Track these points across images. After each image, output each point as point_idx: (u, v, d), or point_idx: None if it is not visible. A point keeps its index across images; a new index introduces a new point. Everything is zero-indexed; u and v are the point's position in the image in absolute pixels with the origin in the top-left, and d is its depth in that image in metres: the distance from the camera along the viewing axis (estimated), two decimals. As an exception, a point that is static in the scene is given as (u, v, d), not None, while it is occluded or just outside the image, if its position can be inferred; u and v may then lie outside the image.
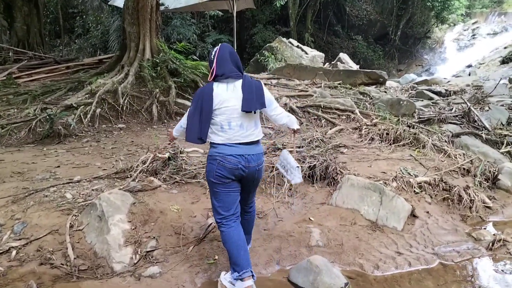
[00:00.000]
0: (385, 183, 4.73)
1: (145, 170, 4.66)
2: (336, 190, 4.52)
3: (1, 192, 4.46)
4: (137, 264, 3.47)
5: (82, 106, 8.22)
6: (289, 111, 8.78)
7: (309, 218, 4.11)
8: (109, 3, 16.37)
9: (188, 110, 3.10)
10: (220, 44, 3.13)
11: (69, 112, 8.03)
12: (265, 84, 12.56)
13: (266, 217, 4.25)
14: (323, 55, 22.08)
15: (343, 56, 21.23)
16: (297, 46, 21.58)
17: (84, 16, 26.79)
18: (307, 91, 10.55)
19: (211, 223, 3.91)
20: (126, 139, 7.55)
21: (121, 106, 8.47)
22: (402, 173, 5.05)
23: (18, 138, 7.15)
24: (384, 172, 5.21)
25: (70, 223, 3.83)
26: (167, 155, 4.72)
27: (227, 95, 2.95)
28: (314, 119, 8.54)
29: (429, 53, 34.13)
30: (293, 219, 4.21)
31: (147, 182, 4.43)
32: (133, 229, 3.78)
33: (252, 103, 2.93)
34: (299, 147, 5.60)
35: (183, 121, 3.27)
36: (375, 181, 4.66)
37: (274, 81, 13.32)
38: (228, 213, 3.08)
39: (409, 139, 6.56)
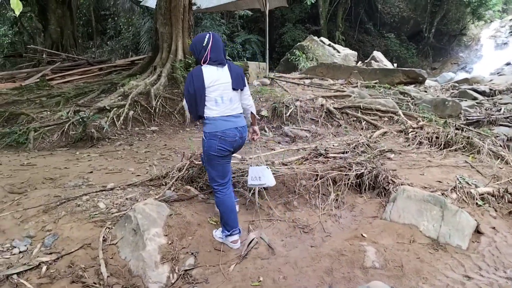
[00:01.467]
0: (443, 194, 4.27)
1: (181, 177, 4.36)
2: (390, 202, 4.10)
3: (33, 200, 4.26)
4: (175, 285, 3.17)
5: (115, 109, 8.06)
6: (326, 112, 8.40)
7: (362, 235, 3.71)
8: (141, 3, 16.33)
9: (184, 94, 3.45)
10: (210, 32, 3.51)
11: (102, 114, 7.88)
12: (297, 84, 12.23)
13: (312, 231, 3.89)
14: (356, 53, 21.49)
15: (377, 54, 20.55)
16: (329, 45, 21.08)
17: (116, 18, 27.09)
18: (344, 91, 10.09)
19: (253, 238, 3.58)
20: (159, 142, 7.32)
21: (153, 108, 8.27)
22: (460, 182, 4.57)
23: (50, 142, 7.03)
24: (440, 181, 4.75)
25: (103, 237, 3.57)
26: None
27: (218, 74, 3.37)
28: (354, 121, 8.10)
29: (465, 51, 32.80)
30: (343, 235, 3.82)
31: (184, 191, 4.14)
32: (170, 243, 3.49)
33: (239, 82, 3.46)
34: (343, 153, 5.20)
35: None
36: (432, 192, 4.22)
37: (307, 81, 12.91)
38: (224, 181, 3.57)
39: (462, 143, 6.04)
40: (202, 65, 3.40)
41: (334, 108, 8.57)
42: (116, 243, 3.53)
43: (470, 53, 31.90)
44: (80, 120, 7.02)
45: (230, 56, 20.87)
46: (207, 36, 3.41)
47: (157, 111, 8.28)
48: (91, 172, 5.39)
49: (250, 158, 5.20)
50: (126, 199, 4.21)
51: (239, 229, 3.64)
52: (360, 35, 31.49)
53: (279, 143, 7.37)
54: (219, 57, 3.40)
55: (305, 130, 8.15)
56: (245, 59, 20.88)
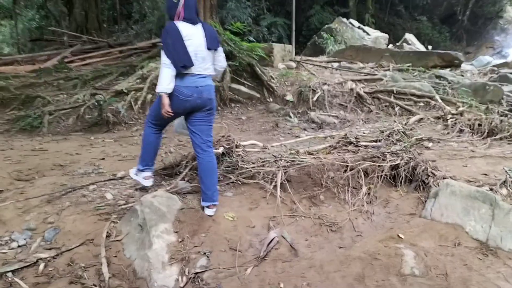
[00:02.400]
0: (491, 189, 3.74)
1: (196, 167, 3.97)
2: (430, 198, 3.60)
3: (38, 189, 3.96)
4: (184, 289, 2.79)
5: (133, 92, 7.73)
6: (355, 97, 7.86)
7: (398, 235, 3.23)
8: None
9: (164, 49, 3.19)
10: None
11: (119, 98, 7.57)
12: (325, 67, 11.65)
13: (340, 230, 3.43)
14: (387, 36, 20.59)
15: (409, 37, 19.62)
16: (358, 27, 20.24)
17: (141, 2, 26.84)
18: (375, 74, 9.49)
19: (273, 238, 3.15)
20: (178, 127, 6.95)
21: (172, 91, 7.88)
22: (510, 176, 4.01)
23: (65, 126, 6.77)
24: (486, 174, 4.20)
25: (107, 232, 3.21)
26: (220, 150, 3.99)
27: (192, 30, 3.27)
28: (386, 106, 7.53)
29: (501, 34, 31.11)
30: (376, 235, 3.35)
31: (198, 182, 3.74)
32: (180, 241, 3.10)
33: (214, 42, 3.37)
34: (376, 141, 4.69)
35: (165, 72, 3.19)
36: (478, 186, 3.69)
37: (335, 64, 12.31)
38: (159, 126, 3.62)
39: (508, 131, 5.43)
40: (175, 22, 3.27)
41: (365, 92, 8.01)
42: (121, 239, 3.17)
43: (507, 37, 30.26)
44: (96, 103, 6.71)
45: (256, 39, 20.31)
46: None
47: (176, 94, 7.90)
48: (103, 158, 5.07)
49: (273, 146, 4.77)
50: (136, 189, 3.86)
51: (153, 170, 3.75)
52: (391, 18, 30.29)
53: (304, 130, 6.90)
54: (192, 15, 3.31)
55: (333, 116, 7.64)
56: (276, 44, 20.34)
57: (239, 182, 3.87)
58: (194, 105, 3.32)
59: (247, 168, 3.93)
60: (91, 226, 3.32)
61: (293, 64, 11.41)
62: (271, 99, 8.57)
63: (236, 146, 4.24)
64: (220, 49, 3.52)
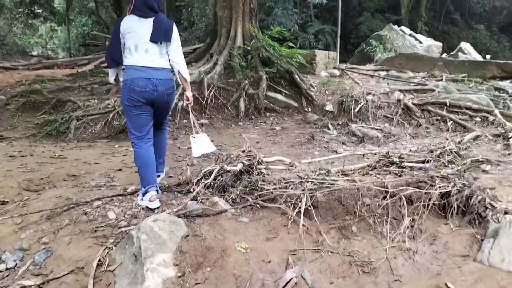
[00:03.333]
0: None
1: (210, 185, 3.50)
2: (489, 237, 2.94)
3: (41, 202, 3.65)
4: None
5: (164, 98, 7.42)
6: (403, 109, 7.16)
7: (446, 285, 2.60)
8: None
9: None
10: None
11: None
12: (371, 76, 10.94)
13: (375, 272, 2.83)
14: (440, 44, 19.44)
15: (465, 45, 18.36)
16: (410, 35, 19.26)
17: (190, 9, 27.09)
18: (426, 84, 8.70)
19: (291, 278, 2.61)
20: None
21: (205, 99, 7.52)
22: None
23: (92, 132, 6.54)
24: (559, 208, 3.45)
25: (100, 260, 2.80)
26: (238, 167, 3.50)
27: (135, 24, 3.34)
28: (437, 120, 6.78)
29: None
30: (419, 281, 2.73)
31: (209, 204, 3.27)
32: (180, 277, 2.63)
33: (159, 35, 3.35)
34: (423, 162, 4.04)
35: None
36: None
37: (382, 73, 11.56)
38: (141, 134, 3.49)
39: None
40: (127, 15, 3.41)
41: (413, 104, 7.28)
42: (114, 270, 2.75)
43: None
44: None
45: (302, 47, 19.80)
46: None
47: (208, 102, 7.53)
48: (120, 169, 4.72)
49: (301, 163, 4.23)
50: (142, 208, 3.44)
51: (156, 187, 3.54)
52: (445, 26, 28.82)
53: (343, 143, 6.29)
54: (142, 8, 3.36)
55: (377, 129, 6.97)
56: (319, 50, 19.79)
57: (258, 205, 3.35)
58: (152, 98, 3.38)
59: (268, 189, 3.41)
60: (85, 251, 2.93)
61: (337, 72, 10.79)
62: (309, 109, 8.01)
63: (258, 163, 3.74)
64: (174, 44, 3.48)
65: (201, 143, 4.06)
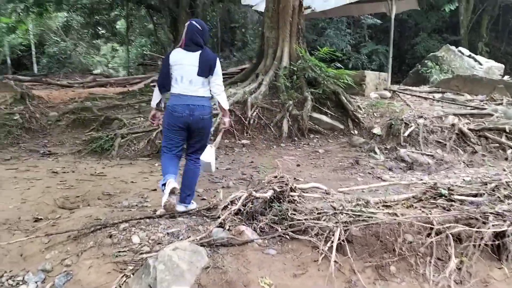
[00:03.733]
0: None
1: (239, 211, 3.32)
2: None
3: (71, 221, 3.63)
4: None
5: (207, 118, 7.40)
6: (457, 134, 6.68)
7: None
8: (253, 8, 15.87)
9: None
10: (191, 20, 3.87)
11: (193, 123, 7.28)
12: (425, 98, 10.41)
13: (414, 322, 2.51)
14: (502, 66, 18.32)
15: (531, 67, 17.21)
16: (469, 56, 18.32)
17: (244, 30, 27.59)
18: (484, 108, 8.11)
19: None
20: (246, 158, 6.42)
21: (248, 119, 7.42)
22: None
23: (135, 150, 6.60)
24: None
25: (117, 288, 2.68)
26: (268, 194, 3.30)
27: (183, 57, 3.73)
28: (495, 147, 6.24)
29: None
30: (465, 337, 2.38)
31: (235, 233, 3.09)
32: (196, 312, 2.46)
33: (203, 71, 3.69)
34: (475, 195, 3.64)
35: (154, 91, 3.97)
36: None
37: (437, 95, 10.98)
38: (169, 150, 3.90)
39: None
40: (177, 47, 3.84)
41: (469, 129, 6.77)
42: (129, 300, 2.62)
43: None
44: (165, 128, 6.46)
45: (354, 67, 19.43)
46: (186, 24, 3.84)
47: (251, 122, 7.42)
48: (155, 190, 4.67)
49: (339, 191, 3.95)
50: (167, 233, 3.31)
51: (174, 176, 3.79)
52: (508, 47, 27.28)
53: (390, 170, 5.92)
54: (189, 43, 3.74)
55: (428, 155, 6.52)
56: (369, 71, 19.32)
57: (287, 236, 3.12)
58: (188, 122, 3.72)
59: (299, 219, 3.17)
60: (104, 277, 2.82)
61: (388, 94, 10.38)
62: (356, 131, 7.69)
63: (291, 189, 3.52)
64: (215, 78, 3.77)
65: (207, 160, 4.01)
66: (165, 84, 3.81)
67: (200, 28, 3.77)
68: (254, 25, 26.61)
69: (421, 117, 7.51)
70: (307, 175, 5.49)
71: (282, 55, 8.68)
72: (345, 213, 3.14)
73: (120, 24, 30.13)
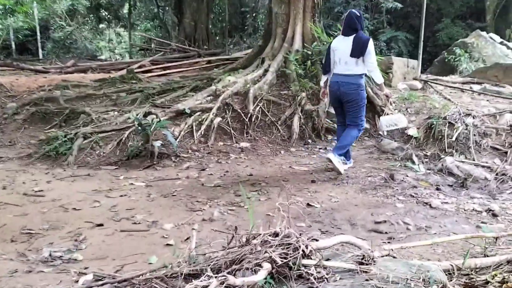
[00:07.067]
0: None
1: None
2: None
3: None
4: None
5: (198, 113, 5.89)
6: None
7: None
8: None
9: None
10: (350, 10, 4.66)
11: (179, 120, 5.77)
12: (462, 90, 8.74)
13: None
14: (538, 54, 16.52)
15: None
16: (501, 43, 16.54)
17: (255, 15, 26.07)
18: (547, 105, 6.46)
19: None
20: (245, 168, 4.89)
21: (249, 115, 5.88)
22: None
23: (100, 155, 5.10)
24: None
25: None
26: (261, 275, 1.76)
27: (339, 43, 4.52)
28: None
29: None
30: None
31: None
32: None
33: (356, 52, 4.36)
34: None
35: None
36: None
37: (475, 87, 9.29)
38: (339, 124, 4.88)
39: None
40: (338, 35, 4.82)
41: (538, 132, 5.17)
42: None
43: None
44: (140, 128, 4.94)
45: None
46: (344, 14, 4.97)
47: (253, 119, 5.86)
48: (101, 225, 3.16)
49: (386, 254, 2.37)
50: None
51: (334, 152, 4.55)
52: (538, 34, 25.26)
53: (437, 188, 4.35)
54: (345, 30, 4.48)
55: (483, 166, 4.95)
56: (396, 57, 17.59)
57: None
58: (338, 94, 4.53)
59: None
60: None
61: (418, 85, 8.72)
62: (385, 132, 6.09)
63: (304, 255, 1.98)
64: (368, 57, 4.37)
65: (391, 122, 4.89)
66: (326, 66, 4.73)
67: (358, 14, 4.47)
68: (266, 10, 24.97)
69: (469, 115, 5.91)
70: (325, 197, 3.96)
71: (294, 35, 7.07)
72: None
73: (126, 9, 28.67)
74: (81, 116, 5.90)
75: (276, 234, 1.96)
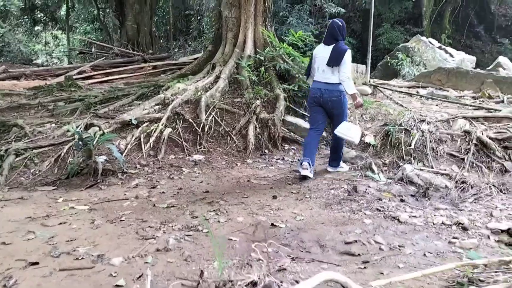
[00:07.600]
0: None
1: None
2: None
3: None
4: None
5: (146, 124, 5.44)
6: (476, 145, 5.14)
7: None
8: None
9: None
10: (331, 21, 4.83)
11: (126, 131, 5.29)
12: (409, 94, 8.85)
13: None
14: (474, 58, 17.43)
15: (504, 60, 16.18)
16: (439, 47, 17.27)
17: (199, 18, 25.64)
18: (494, 109, 6.60)
19: None
20: (200, 183, 4.52)
21: (202, 125, 5.51)
22: None
23: (35, 174, 4.52)
24: None
25: None
26: None
27: (320, 51, 4.76)
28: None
29: None
30: None
31: None
32: None
33: (332, 61, 4.58)
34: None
35: None
36: None
37: (422, 91, 9.48)
38: (312, 126, 4.97)
39: None
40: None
41: (490, 138, 5.21)
42: None
43: None
44: (80, 143, 4.42)
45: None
46: (330, 22, 4.86)
47: (206, 129, 5.50)
48: (36, 263, 2.68)
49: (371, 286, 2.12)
50: None
51: (309, 160, 4.67)
52: (468, 40, 26.79)
53: (401, 200, 4.21)
54: (326, 39, 4.73)
55: (442, 173, 4.91)
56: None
57: None
58: (319, 101, 4.74)
59: None
60: None
61: (368, 90, 8.75)
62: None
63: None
64: (343, 67, 4.58)
65: (347, 128, 4.74)
66: (307, 70, 5.04)
67: (340, 24, 4.72)
68: (211, 13, 24.59)
69: (423, 121, 5.91)
70: (289, 215, 3.69)
71: (246, 40, 6.79)
72: None
73: (64, 10, 27.16)
74: (13, 129, 5.25)
75: (254, 284, 1.63)
